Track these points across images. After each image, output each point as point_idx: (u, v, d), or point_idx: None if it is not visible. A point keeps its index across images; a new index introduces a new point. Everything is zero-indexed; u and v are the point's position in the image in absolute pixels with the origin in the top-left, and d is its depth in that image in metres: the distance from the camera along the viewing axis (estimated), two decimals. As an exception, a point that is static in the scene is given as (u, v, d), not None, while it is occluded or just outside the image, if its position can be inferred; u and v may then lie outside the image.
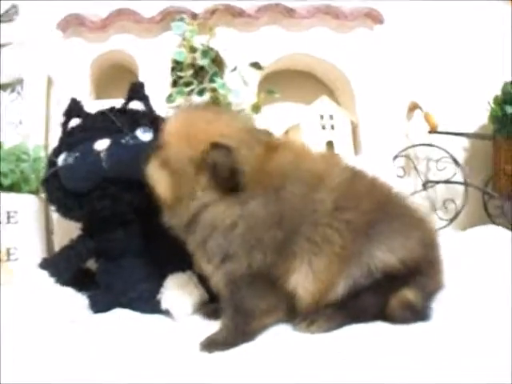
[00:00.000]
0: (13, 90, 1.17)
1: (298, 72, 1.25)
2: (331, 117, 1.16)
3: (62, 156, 0.77)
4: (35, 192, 1.01)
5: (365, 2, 1.19)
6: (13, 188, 0.97)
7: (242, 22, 1.13)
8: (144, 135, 0.76)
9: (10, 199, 0.93)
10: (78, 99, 0.85)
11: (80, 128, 0.79)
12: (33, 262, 0.90)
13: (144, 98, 0.84)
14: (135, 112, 0.80)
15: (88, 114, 0.82)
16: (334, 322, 0.63)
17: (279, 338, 0.62)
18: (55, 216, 0.97)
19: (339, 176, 0.66)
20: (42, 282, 0.74)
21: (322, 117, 1.15)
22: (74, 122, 0.81)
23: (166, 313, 0.74)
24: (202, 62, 1.03)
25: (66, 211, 0.79)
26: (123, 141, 0.74)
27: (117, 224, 0.77)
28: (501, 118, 1.22)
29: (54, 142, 1.08)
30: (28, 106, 1.14)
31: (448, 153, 1.27)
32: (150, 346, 0.63)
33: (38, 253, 0.96)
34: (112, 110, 0.80)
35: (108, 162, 0.72)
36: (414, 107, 1.32)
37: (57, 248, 0.93)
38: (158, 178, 0.65)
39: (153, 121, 0.79)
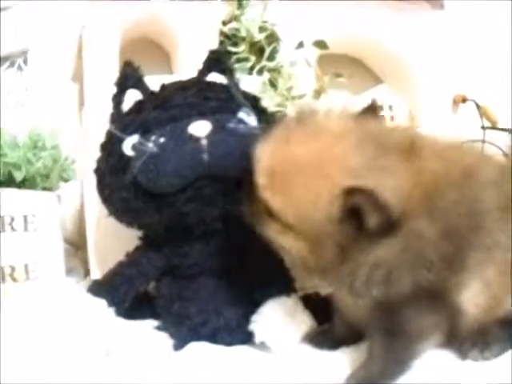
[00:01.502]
0: (11, 65, 0.94)
1: (346, 58, 1.11)
2: (391, 107, 1.04)
3: (131, 139, 0.55)
4: (51, 189, 0.80)
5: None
6: (24, 184, 0.75)
7: (295, -2, 0.97)
8: (250, 119, 0.57)
9: (26, 198, 0.72)
10: (135, 64, 0.64)
11: (153, 103, 0.58)
12: (57, 282, 0.71)
13: (228, 72, 0.64)
14: (229, 87, 0.60)
15: (162, 86, 0.61)
16: (506, 343, 0.53)
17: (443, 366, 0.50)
18: (90, 222, 0.77)
19: (491, 168, 0.55)
20: (102, 315, 0.54)
21: (380, 107, 1.02)
22: (133, 93, 0.61)
23: (260, 346, 0.58)
24: (259, 36, 0.87)
25: (134, 217, 0.58)
26: (231, 125, 0.54)
27: (199, 234, 0.58)
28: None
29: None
30: (34, 84, 0.91)
31: (501, 150, 1.19)
32: None
33: (61, 270, 0.75)
34: (198, 81, 0.61)
35: (212, 153, 0.53)
36: (461, 100, 1.22)
37: (93, 266, 0.73)
38: (287, 244, 0.49)
39: (251, 100, 0.60)
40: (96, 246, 0.76)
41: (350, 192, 0.44)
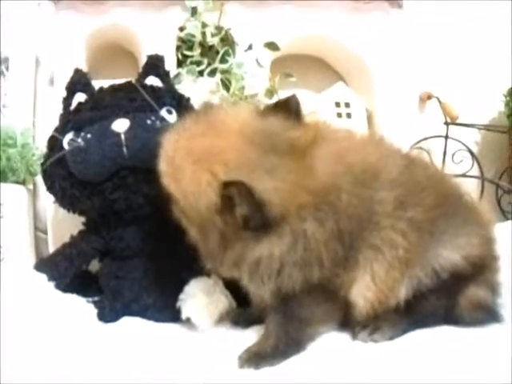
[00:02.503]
0: (-5, 70, 1.04)
1: (308, 58, 1.16)
2: (347, 104, 1.08)
3: (67, 136, 0.64)
4: (22, 183, 0.89)
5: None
6: (-3, 177, 0.85)
7: (254, 1, 1.04)
8: (170, 116, 0.64)
9: (-5, 189, 0.81)
10: (84, 70, 0.73)
11: (90, 105, 0.67)
12: (22, 264, 0.80)
13: (163, 75, 0.72)
14: (156, 88, 0.68)
15: (99, 89, 0.70)
16: (398, 328, 0.56)
17: (337, 348, 0.55)
18: (50, 211, 0.86)
19: (396, 167, 0.56)
20: (40, 286, 0.62)
21: (337, 104, 1.07)
22: (80, 97, 0.69)
23: (186, 322, 0.64)
24: (213, 39, 0.94)
25: (72, 203, 0.66)
26: (149, 121, 0.62)
27: (130, 219, 0.66)
28: (517, 110, 1.17)
29: (41, 128, 0.99)
30: (14, 88, 1.00)
31: (465, 145, 1.22)
32: (171, 360, 0.53)
33: (28, 253, 0.85)
34: (131, 84, 0.68)
35: (130, 146, 0.60)
36: (427, 97, 1.25)
37: (52, 249, 0.82)
38: (186, 228, 0.55)
39: (177, 100, 0.68)
40: (54, 233, 0.84)
41: (226, 185, 0.48)
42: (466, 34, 1.25)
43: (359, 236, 0.53)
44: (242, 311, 0.67)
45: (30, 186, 0.93)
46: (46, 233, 0.99)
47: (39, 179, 0.94)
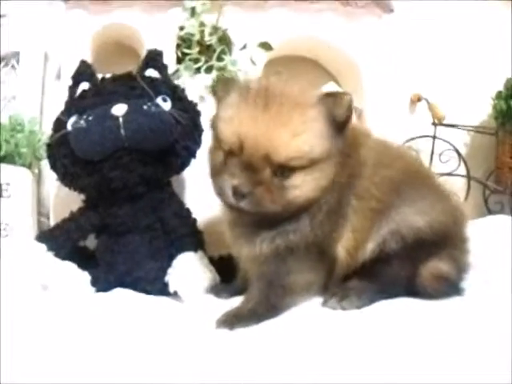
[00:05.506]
0: (6, 64, 1.11)
1: (302, 59, 1.22)
2: (338, 103, 1.13)
3: (71, 119, 0.71)
4: (28, 167, 0.95)
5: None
6: (5, 160, 0.91)
7: (251, 3, 1.10)
8: (165, 104, 0.71)
9: (2, 170, 0.87)
10: (89, 62, 0.79)
11: (93, 91, 0.73)
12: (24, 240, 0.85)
13: (161, 68, 0.78)
14: (153, 79, 0.75)
15: (102, 78, 0.76)
16: (365, 296, 0.61)
17: (308, 314, 0.59)
18: (52, 194, 0.92)
19: (376, 138, 0.67)
20: (40, 255, 0.68)
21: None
22: (85, 85, 0.75)
23: (174, 295, 0.70)
24: (210, 39, 1.00)
25: (72, 180, 0.72)
26: (145, 107, 0.68)
27: (125, 197, 0.72)
28: (505, 113, 1.22)
29: (48, 117, 1.05)
30: (23, 81, 1.07)
31: (452, 145, 1.27)
32: (156, 328, 0.57)
33: (30, 231, 0.90)
34: (130, 74, 0.75)
35: (127, 128, 0.66)
36: (417, 99, 1.31)
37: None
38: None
39: (172, 90, 0.74)
40: (56, 217, 0.90)
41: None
42: (456, 37, 1.30)
43: (347, 185, 0.60)
44: (225, 285, 0.72)
45: (36, 171, 0.99)
46: (48, 218, 1.05)
47: (44, 168, 1.01)
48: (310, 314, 0.59)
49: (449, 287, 0.62)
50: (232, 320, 0.57)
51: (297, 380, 0.42)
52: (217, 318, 0.58)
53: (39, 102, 1.09)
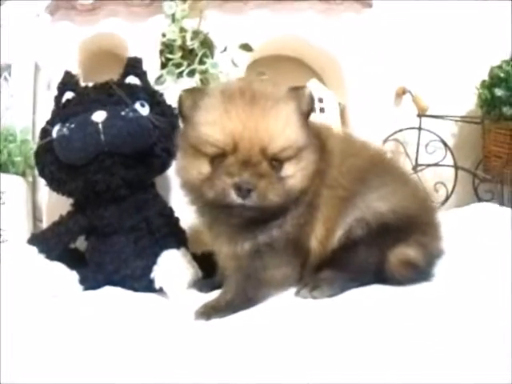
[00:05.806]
0: (-1, 76, 1.16)
1: (286, 58, 1.25)
2: (321, 100, 1.16)
3: (56, 127, 0.75)
4: (22, 175, 1.00)
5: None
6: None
7: (231, 6, 1.13)
8: (143, 109, 0.75)
9: (-3, 180, 0.92)
10: (73, 72, 0.83)
11: (75, 101, 0.78)
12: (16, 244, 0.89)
13: (141, 74, 0.83)
14: (132, 86, 0.79)
15: (84, 87, 0.80)
16: (335, 286, 0.63)
17: (281, 304, 0.61)
18: (45, 199, 0.96)
19: (342, 133, 0.74)
20: (31, 257, 0.72)
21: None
22: (69, 95, 0.80)
23: (160, 291, 0.73)
24: (192, 43, 1.03)
25: (59, 185, 0.77)
26: (123, 113, 0.72)
27: (110, 200, 0.76)
28: (490, 101, 1.23)
29: (40, 126, 1.09)
30: (16, 91, 1.12)
31: (438, 136, 1.28)
32: (142, 323, 0.61)
33: (27, 236, 0.94)
34: (108, 83, 0.78)
35: (106, 134, 0.70)
36: (402, 92, 1.33)
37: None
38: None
39: (150, 95, 0.78)
40: (48, 216, 0.94)
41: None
42: (437, 28, 1.32)
43: (321, 175, 0.62)
44: (207, 280, 0.75)
45: (30, 179, 1.04)
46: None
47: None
48: (282, 304, 0.62)
49: (417, 273, 0.63)
50: (209, 311, 0.60)
51: (269, 366, 0.45)
52: (195, 310, 0.61)
53: (31, 112, 1.14)
